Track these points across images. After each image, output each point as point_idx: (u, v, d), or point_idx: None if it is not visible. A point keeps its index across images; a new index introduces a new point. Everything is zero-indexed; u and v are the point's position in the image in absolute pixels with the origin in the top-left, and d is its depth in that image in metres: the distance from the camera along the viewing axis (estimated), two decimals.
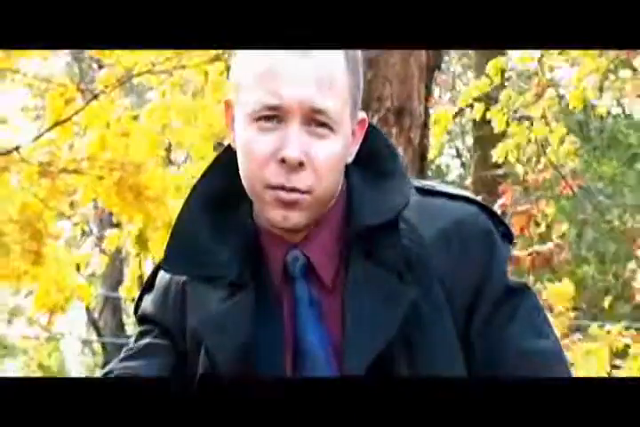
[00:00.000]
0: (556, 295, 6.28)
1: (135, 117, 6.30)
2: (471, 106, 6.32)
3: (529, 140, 6.42)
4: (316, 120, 1.34)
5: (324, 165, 1.35)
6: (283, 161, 1.33)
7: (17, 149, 5.72)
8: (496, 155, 6.52)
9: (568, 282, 6.38)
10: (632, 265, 6.53)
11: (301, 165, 1.33)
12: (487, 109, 6.41)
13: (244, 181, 1.40)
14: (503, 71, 6.41)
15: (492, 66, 6.44)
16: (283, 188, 1.36)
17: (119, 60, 6.19)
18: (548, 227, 6.12)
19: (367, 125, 1.46)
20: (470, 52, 8.42)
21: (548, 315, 1.54)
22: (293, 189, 1.36)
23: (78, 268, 6.90)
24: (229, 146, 1.47)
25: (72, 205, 6.54)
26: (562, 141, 6.46)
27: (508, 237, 1.48)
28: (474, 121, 7.51)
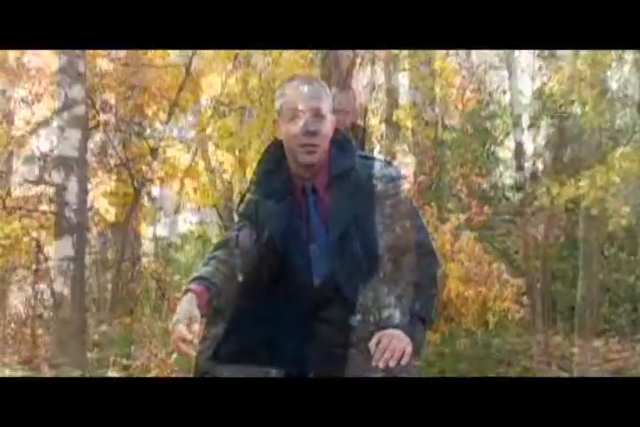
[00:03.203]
0: None
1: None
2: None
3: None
4: (318, 115, 2.10)
5: (324, 134, 2.13)
6: (308, 132, 2.09)
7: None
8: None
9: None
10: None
11: (315, 133, 2.09)
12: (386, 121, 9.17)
13: (286, 147, 2.14)
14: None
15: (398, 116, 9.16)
16: (307, 144, 2.11)
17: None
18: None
19: (335, 128, 2.17)
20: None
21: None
22: (312, 144, 2.11)
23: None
24: (277, 138, 2.19)
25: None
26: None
27: (400, 174, 2.22)
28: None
